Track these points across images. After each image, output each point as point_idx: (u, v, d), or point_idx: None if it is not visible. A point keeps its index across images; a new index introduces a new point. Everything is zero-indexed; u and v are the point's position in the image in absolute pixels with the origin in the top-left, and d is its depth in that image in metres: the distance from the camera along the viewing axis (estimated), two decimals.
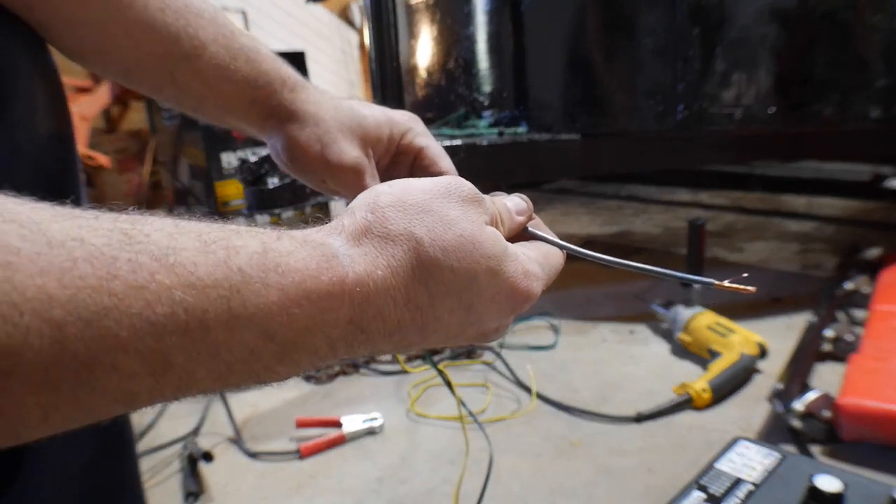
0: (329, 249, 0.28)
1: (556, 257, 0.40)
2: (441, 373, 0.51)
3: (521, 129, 1.24)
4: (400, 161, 0.50)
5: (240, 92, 0.45)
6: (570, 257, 0.41)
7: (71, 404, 0.21)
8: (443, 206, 0.31)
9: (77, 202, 0.45)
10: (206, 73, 0.44)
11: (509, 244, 0.34)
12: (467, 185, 0.33)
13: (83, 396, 0.21)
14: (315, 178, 0.48)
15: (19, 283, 0.19)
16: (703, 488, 0.65)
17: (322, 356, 0.28)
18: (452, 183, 0.33)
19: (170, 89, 0.45)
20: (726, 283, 0.36)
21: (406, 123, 0.49)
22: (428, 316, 0.30)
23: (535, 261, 0.36)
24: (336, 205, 1.54)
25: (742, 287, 0.36)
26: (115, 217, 0.23)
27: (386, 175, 0.48)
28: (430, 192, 0.32)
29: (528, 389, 1.05)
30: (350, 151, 0.46)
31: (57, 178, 0.43)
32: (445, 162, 0.49)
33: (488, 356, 1.18)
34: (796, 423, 0.82)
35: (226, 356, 0.24)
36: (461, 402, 0.60)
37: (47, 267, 0.20)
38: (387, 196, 0.31)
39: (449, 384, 0.52)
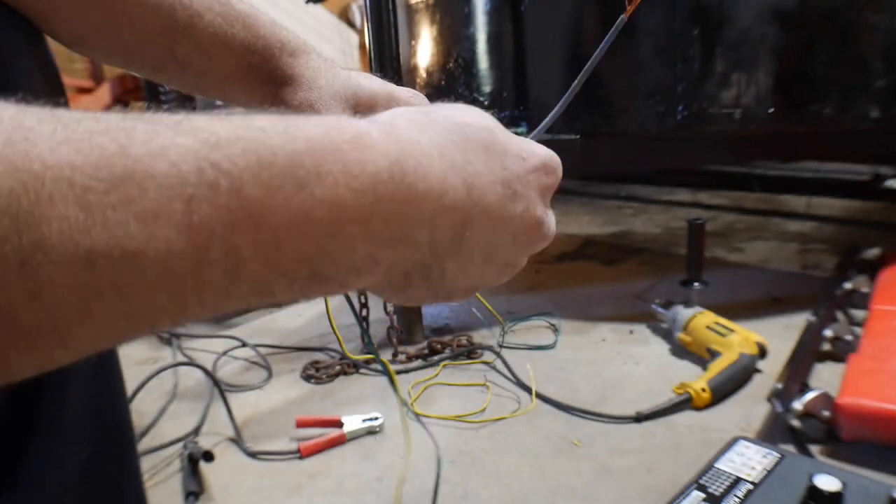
0: (350, 120, 0.26)
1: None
2: (385, 365, 0.51)
3: (521, 129, 1.24)
4: None
5: (238, 58, 0.44)
6: None
7: (111, 289, 0.19)
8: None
9: None
10: (204, 42, 0.43)
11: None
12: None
13: (123, 279, 0.19)
14: None
15: (38, 155, 0.18)
16: (702, 488, 0.66)
17: (374, 237, 0.24)
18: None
19: (172, 66, 0.45)
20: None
21: (407, 99, 0.46)
22: (470, 171, 0.27)
23: (537, 148, 0.35)
24: None
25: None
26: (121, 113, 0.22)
27: None
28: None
29: (528, 389, 1.05)
30: None
31: None
32: None
33: (488, 356, 1.19)
34: (796, 423, 0.82)
35: (270, 220, 0.21)
36: (403, 401, 0.59)
37: (64, 139, 0.18)
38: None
39: (391, 378, 0.52)
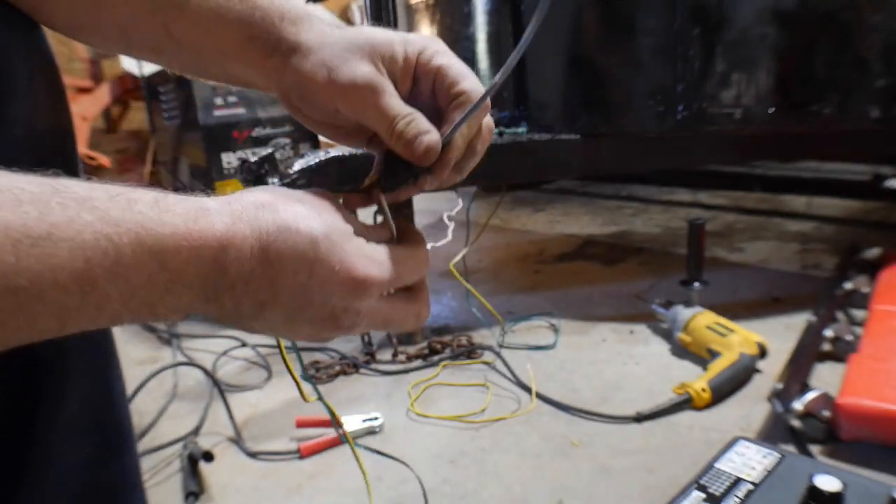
0: (205, 205, 0.34)
1: (413, 260, 0.41)
2: (281, 356, 0.51)
3: (521, 129, 1.24)
4: (420, 86, 0.44)
5: (236, 32, 0.43)
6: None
7: (24, 313, 0.28)
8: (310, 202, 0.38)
9: None
10: (199, 17, 0.42)
11: (356, 229, 0.39)
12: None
13: (31, 306, 0.28)
14: (327, 113, 0.43)
15: None
16: (702, 488, 0.66)
17: (196, 295, 0.33)
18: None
19: (169, 45, 0.43)
20: None
21: (421, 41, 0.44)
22: (277, 270, 0.35)
23: (384, 253, 0.39)
24: None
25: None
26: (41, 175, 0.29)
27: (409, 104, 0.42)
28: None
29: (528, 389, 1.05)
30: (361, 67, 0.41)
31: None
32: (469, 81, 0.43)
33: (488, 356, 1.19)
34: (796, 423, 0.82)
35: (133, 278, 0.30)
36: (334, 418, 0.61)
37: (1, 203, 0.27)
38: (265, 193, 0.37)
39: (296, 379, 0.53)
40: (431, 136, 0.40)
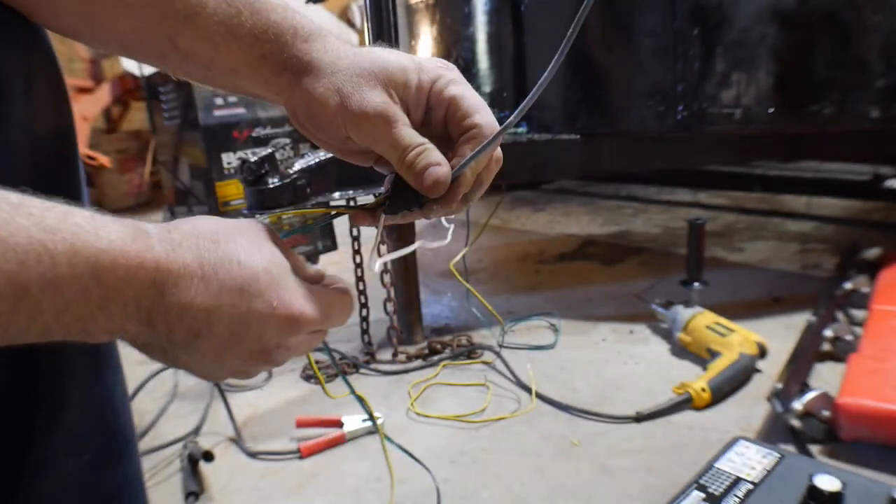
0: (143, 227, 0.34)
1: (340, 304, 0.42)
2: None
3: (521, 130, 1.24)
4: (433, 114, 0.43)
5: (247, 48, 0.41)
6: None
7: None
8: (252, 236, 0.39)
9: (79, 198, 0.45)
10: (207, 32, 0.40)
11: (293, 265, 0.40)
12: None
13: None
14: (336, 137, 0.42)
15: None
16: (702, 488, 0.66)
17: (130, 316, 0.33)
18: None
19: (174, 57, 0.42)
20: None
21: (436, 70, 0.42)
22: (216, 302, 0.35)
23: (316, 293, 0.40)
24: (336, 205, 1.54)
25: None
26: None
27: (421, 132, 0.41)
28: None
29: (528, 389, 1.05)
30: (373, 97, 0.40)
31: (58, 175, 0.43)
32: (481, 115, 0.42)
33: (488, 356, 1.19)
34: (796, 423, 0.82)
35: (67, 291, 0.30)
36: None
37: None
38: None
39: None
40: (441, 169, 0.40)
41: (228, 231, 0.37)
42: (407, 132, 0.40)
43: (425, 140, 0.41)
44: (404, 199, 0.42)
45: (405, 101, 0.42)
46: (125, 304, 0.32)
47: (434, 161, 0.40)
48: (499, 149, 0.44)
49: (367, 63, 0.41)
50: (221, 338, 0.36)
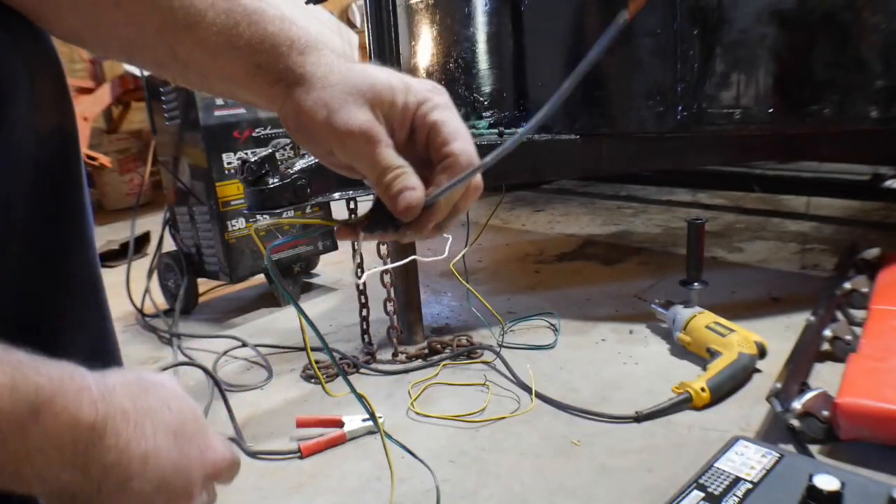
0: (80, 370, 0.35)
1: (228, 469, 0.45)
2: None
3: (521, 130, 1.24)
4: (417, 136, 0.44)
5: (243, 58, 0.42)
6: None
7: None
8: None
9: (81, 198, 0.46)
10: (206, 41, 0.41)
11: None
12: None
13: None
14: (322, 149, 0.43)
15: None
16: (702, 487, 0.66)
17: (66, 461, 0.33)
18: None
19: (173, 65, 0.43)
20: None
21: (424, 93, 0.43)
22: (153, 445, 0.36)
23: (222, 448, 0.43)
24: (335, 205, 1.54)
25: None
26: None
27: (403, 154, 0.42)
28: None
29: (527, 389, 1.05)
30: (359, 115, 0.41)
31: (60, 175, 0.43)
32: (460, 143, 0.42)
33: (488, 356, 1.19)
34: (795, 423, 0.82)
35: (4, 426, 0.30)
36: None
37: None
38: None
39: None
40: (415, 194, 0.40)
41: (152, 381, 0.40)
42: (387, 153, 0.41)
43: (404, 163, 0.41)
44: (381, 219, 0.43)
45: (390, 121, 0.42)
46: (62, 446, 0.32)
47: (409, 186, 0.40)
48: (479, 176, 0.44)
49: (358, 80, 0.42)
50: (153, 482, 0.36)
